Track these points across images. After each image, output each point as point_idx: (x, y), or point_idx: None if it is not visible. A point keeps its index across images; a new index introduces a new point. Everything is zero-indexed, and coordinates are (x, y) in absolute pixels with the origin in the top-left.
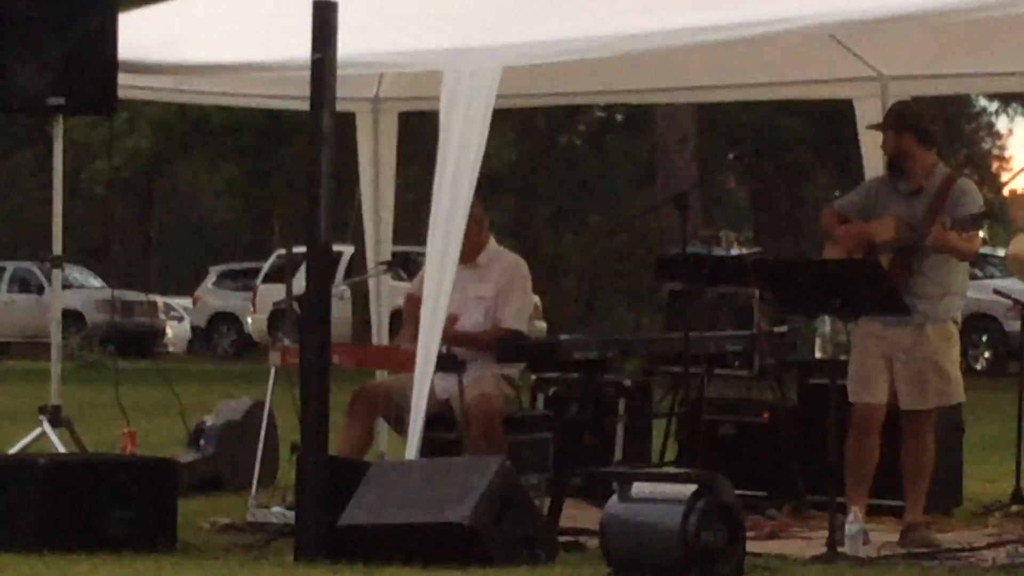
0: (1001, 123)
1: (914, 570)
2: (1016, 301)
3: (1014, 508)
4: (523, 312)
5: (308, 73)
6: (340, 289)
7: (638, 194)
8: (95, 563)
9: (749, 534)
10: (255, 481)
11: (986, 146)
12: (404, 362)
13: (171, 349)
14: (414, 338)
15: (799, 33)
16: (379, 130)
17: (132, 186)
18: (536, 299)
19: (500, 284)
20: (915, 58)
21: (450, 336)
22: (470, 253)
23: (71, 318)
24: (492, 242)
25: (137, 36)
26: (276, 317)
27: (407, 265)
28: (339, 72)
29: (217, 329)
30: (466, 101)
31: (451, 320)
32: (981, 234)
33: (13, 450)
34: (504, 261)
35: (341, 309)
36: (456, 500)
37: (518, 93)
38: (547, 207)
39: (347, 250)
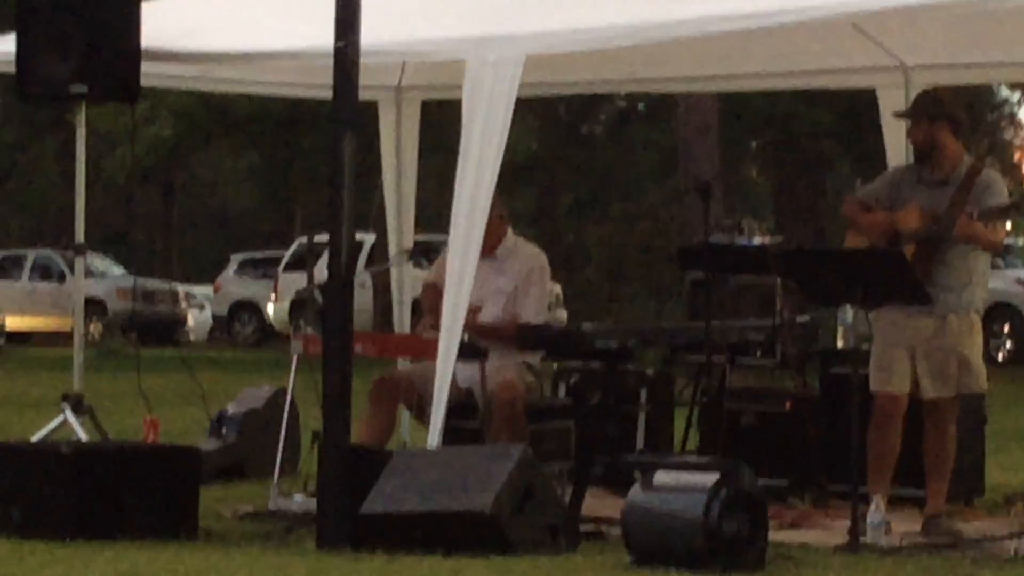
0: (1023, 113)
1: (936, 560)
2: None
3: None
4: (541, 306)
5: (331, 61)
6: (362, 277)
7: (660, 184)
8: (117, 550)
9: (771, 523)
10: (277, 469)
11: (1008, 136)
12: (426, 350)
13: (192, 337)
14: (434, 326)
15: (822, 21)
16: (401, 119)
17: (154, 174)
18: (557, 287)
19: (519, 277)
20: (938, 47)
21: (472, 327)
22: (489, 246)
23: (93, 306)
24: (511, 234)
25: (160, 24)
26: (297, 306)
27: (428, 253)
28: (362, 60)
29: (238, 317)
30: (489, 90)
31: (473, 311)
32: (1008, 225)
33: (35, 438)
34: (523, 253)
35: (362, 298)
36: (478, 489)
37: (540, 82)
38: (568, 196)
39: (368, 238)
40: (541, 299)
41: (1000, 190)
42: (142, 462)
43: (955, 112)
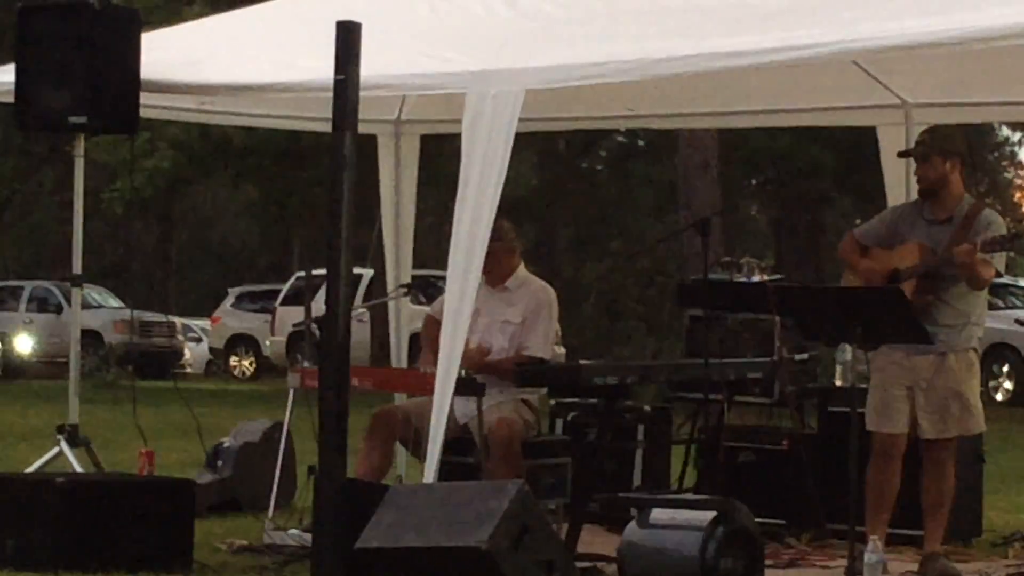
0: (1023, 153)
1: None
2: None
3: None
4: (548, 339)
5: (331, 94)
6: (359, 312)
7: (660, 220)
8: None
9: (768, 562)
10: (272, 503)
11: (1008, 176)
12: (423, 385)
13: (189, 370)
14: (434, 361)
15: (822, 60)
16: (401, 153)
17: (152, 207)
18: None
19: (527, 310)
20: (939, 86)
21: (477, 366)
22: (500, 277)
23: (89, 338)
24: (522, 268)
25: (159, 56)
26: (295, 339)
27: (426, 288)
28: (362, 94)
29: (235, 351)
30: (488, 124)
31: (482, 352)
32: (998, 266)
33: (31, 469)
34: (532, 287)
35: (360, 332)
36: (474, 524)
37: (540, 117)
38: (568, 232)
39: (366, 273)
40: (548, 333)
41: (1000, 228)
42: (137, 494)
43: (963, 150)
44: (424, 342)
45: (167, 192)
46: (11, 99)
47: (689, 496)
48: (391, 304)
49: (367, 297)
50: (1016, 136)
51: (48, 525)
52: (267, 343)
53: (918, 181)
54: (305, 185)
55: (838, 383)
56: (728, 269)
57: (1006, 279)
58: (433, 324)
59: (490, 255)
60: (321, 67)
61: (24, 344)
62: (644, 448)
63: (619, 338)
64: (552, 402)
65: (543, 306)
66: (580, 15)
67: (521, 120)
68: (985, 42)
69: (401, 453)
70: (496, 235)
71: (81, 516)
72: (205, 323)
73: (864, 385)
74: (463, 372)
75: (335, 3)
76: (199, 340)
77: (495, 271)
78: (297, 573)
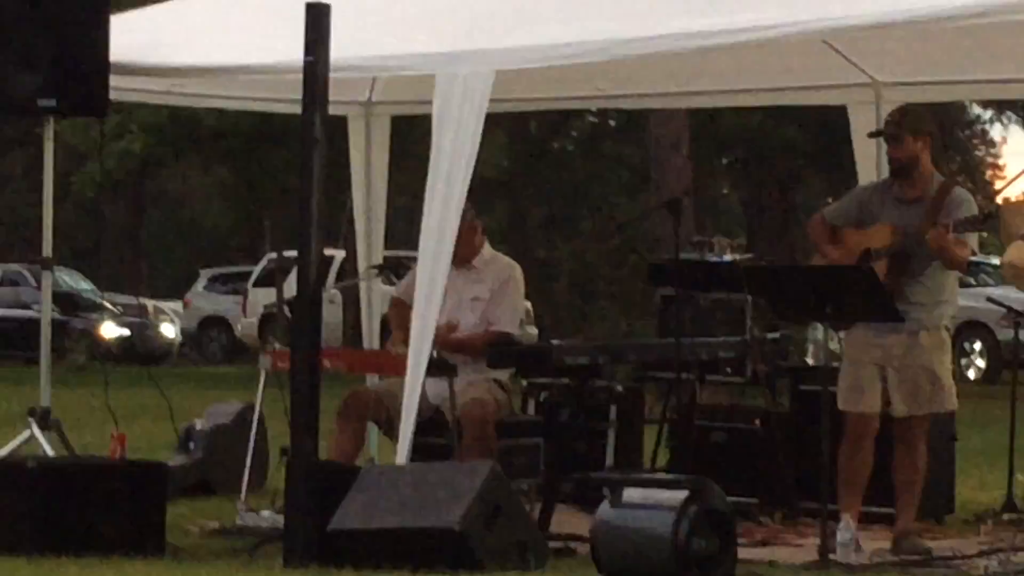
0: (995, 131)
1: None
2: (1009, 309)
3: (1006, 516)
4: (516, 315)
5: (300, 76)
6: (331, 293)
7: (631, 200)
8: (83, 566)
9: (741, 541)
10: (244, 485)
11: (980, 154)
12: (395, 366)
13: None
14: (403, 342)
15: (793, 39)
16: (371, 134)
17: (123, 189)
18: (527, 305)
19: (495, 286)
20: (910, 64)
21: (446, 342)
22: (465, 257)
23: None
24: (487, 247)
25: (129, 38)
26: (267, 321)
27: (398, 269)
28: (332, 75)
29: (207, 333)
30: (459, 105)
31: (449, 327)
32: (972, 244)
33: (1, 453)
34: (499, 264)
35: (332, 313)
36: (446, 505)
37: (511, 98)
38: (539, 212)
39: (338, 254)
40: (516, 308)
41: (971, 207)
42: (109, 478)
43: (933, 129)
44: (393, 323)
45: (138, 174)
46: None
47: (661, 476)
48: (363, 285)
49: (339, 278)
50: (987, 114)
51: (20, 509)
52: (239, 325)
53: (890, 162)
54: (276, 167)
55: (810, 362)
56: (699, 248)
57: (978, 257)
58: (400, 305)
59: None
60: (291, 49)
61: None
62: (616, 428)
63: (591, 318)
64: (524, 382)
65: (509, 282)
66: None
67: (491, 101)
68: (954, 20)
69: (373, 434)
70: None
71: (53, 500)
72: (177, 305)
73: (836, 364)
74: (434, 353)
75: None
76: (171, 322)
77: (459, 252)
78: (270, 555)
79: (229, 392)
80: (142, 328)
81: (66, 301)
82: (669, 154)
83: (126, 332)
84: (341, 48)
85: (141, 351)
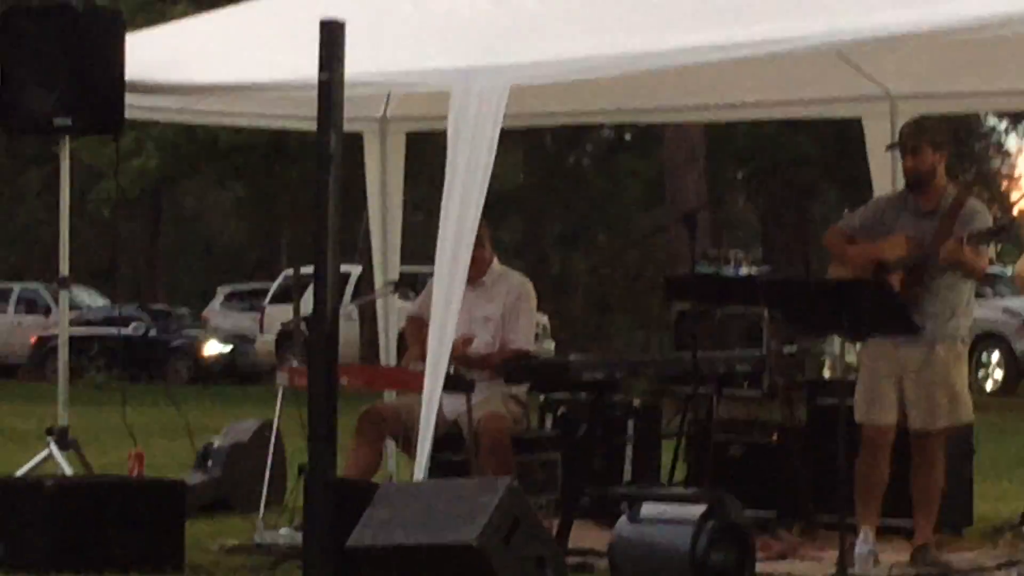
0: (1010, 142)
1: None
2: None
3: None
4: (530, 331)
5: (315, 93)
6: (348, 309)
7: (647, 214)
8: None
9: (759, 555)
10: (263, 503)
11: (995, 165)
12: (412, 382)
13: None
14: (420, 358)
15: (808, 52)
16: (386, 150)
17: (139, 206)
18: (544, 319)
19: (507, 304)
20: (924, 77)
21: (462, 357)
22: (475, 273)
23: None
24: (496, 262)
25: (144, 56)
26: (283, 338)
27: (415, 285)
28: (346, 92)
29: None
30: (474, 120)
31: (464, 341)
32: (990, 254)
33: (20, 472)
34: (509, 281)
35: (349, 330)
36: (464, 521)
37: (526, 113)
38: (555, 227)
39: (355, 270)
40: (530, 324)
41: (985, 218)
42: (127, 496)
43: (948, 141)
44: (409, 339)
45: (154, 191)
46: None
47: (679, 490)
48: (379, 301)
49: (356, 295)
50: (1002, 125)
51: (39, 528)
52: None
53: (906, 173)
54: (292, 183)
55: (827, 375)
56: (715, 262)
57: (995, 268)
58: (417, 321)
59: None
60: (306, 66)
61: None
62: (634, 442)
63: (608, 332)
64: (541, 397)
65: (522, 299)
66: (564, 10)
67: (507, 116)
68: (970, 32)
69: (391, 451)
70: None
71: (72, 519)
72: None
73: (853, 377)
74: (451, 369)
75: (319, 2)
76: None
77: (469, 268)
78: (288, 572)
79: (246, 409)
80: (243, 344)
81: (163, 320)
82: (684, 168)
83: (227, 348)
84: (356, 64)
85: (242, 368)
